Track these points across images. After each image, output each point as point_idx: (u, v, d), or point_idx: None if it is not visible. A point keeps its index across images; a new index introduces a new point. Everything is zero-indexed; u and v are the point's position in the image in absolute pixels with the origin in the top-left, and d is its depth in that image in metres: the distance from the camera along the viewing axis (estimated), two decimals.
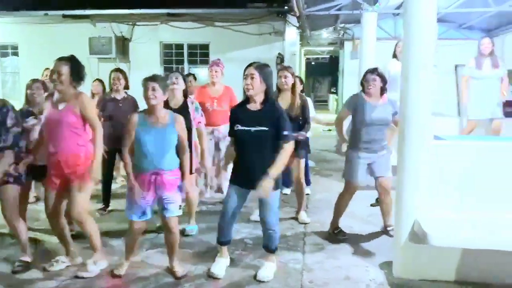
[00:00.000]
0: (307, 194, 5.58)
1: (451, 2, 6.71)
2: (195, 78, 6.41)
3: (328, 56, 19.95)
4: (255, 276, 3.44)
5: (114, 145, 4.47)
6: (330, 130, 13.19)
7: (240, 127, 3.24)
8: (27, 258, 3.58)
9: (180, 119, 3.38)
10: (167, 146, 3.27)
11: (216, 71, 5.06)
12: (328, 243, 4.21)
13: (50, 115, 3.38)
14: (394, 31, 8.67)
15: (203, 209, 5.19)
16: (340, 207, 4.38)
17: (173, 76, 4.29)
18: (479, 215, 3.29)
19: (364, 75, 4.21)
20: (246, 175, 3.28)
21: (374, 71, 4.17)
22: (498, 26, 7.98)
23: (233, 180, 3.39)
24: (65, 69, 3.31)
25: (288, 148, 3.22)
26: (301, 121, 4.60)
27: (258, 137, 3.20)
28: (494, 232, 3.08)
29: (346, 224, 4.51)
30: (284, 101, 4.43)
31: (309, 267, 3.70)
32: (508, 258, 3.16)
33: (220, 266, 3.52)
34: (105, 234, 4.09)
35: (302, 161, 4.82)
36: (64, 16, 8.86)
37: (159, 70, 9.31)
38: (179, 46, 9.37)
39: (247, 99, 3.31)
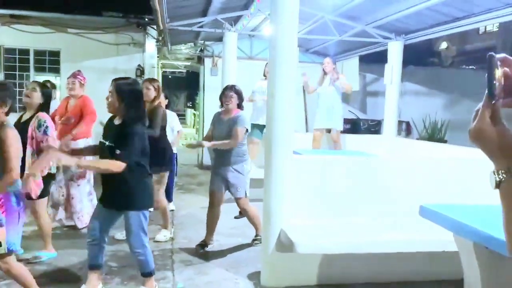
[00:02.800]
0: (172, 210, 5.51)
1: (300, 28, 7.38)
2: (54, 87, 5.91)
3: (185, 70, 20.06)
4: None
5: None
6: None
7: (100, 140, 3.13)
8: None
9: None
10: None
11: (72, 83, 4.90)
12: (197, 259, 4.20)
13: None
14: (250, 51, 9.16)
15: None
16: (207, 220, 4.46)
17: (29, 86, 3.94)
18: (334, 222, 3.64)
19: (222, 92, 4.44)
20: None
21: (232, 87, 4.43)
22: (339, 52, 9.02)
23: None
24: None
25: (114, 162, 2.94)
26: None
27: (106, 151, 3.06)
28: (349, 237, 3.44)
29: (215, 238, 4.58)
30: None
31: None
32: (360, 259, 3.55)
33: None
34: None
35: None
36: None
37: (0, 77, 8.25)
38: (24, 52, 8.43)
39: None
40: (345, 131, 7.58)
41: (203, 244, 4.41)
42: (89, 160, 2.83)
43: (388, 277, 3.68)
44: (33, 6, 7.78)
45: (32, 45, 8.35)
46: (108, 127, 3.16)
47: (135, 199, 3.10)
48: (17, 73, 8.36)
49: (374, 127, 9.94)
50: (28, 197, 3.23)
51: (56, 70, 8.48)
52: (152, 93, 4.49)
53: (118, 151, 2.89)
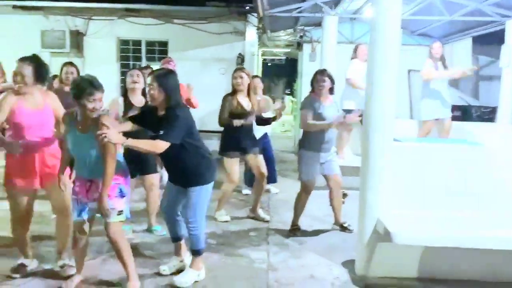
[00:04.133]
0: (274, 192, 5.83)
1: (405, 10, 6.98)
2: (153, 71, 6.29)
3: (284, 57, 20.13)
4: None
5: None
6: (286, 131, 13.37)
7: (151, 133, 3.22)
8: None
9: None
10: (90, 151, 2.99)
11: None
12: (291, 242, 4.27)
13: (25, 114, 3.17)
14: (352, 35, 8.88)
15: None
16: (298, 206, 4.49)
17: (134, 74, 4.19)
18: (435, 213, 3.45)
19: (314, 76, 4.38)
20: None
21: (323, 72, 4.37)
22: (448, 34, 8.37)
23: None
24: (28, 70, 3.14)
25: (154, 142, 3.05)
26: (259, 120, 4.78)
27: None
28: (453, 230, 3.23)
29: (307, 223, 4.61)
30: (243, 99, 4.60)
31: (274, 266, 3.72)
32: (464, 254, 3.32)
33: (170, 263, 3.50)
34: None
35: (259, 156, 4.84)
36: (14, 6, 8.41)
37: (115, 67, 9.05)
38: (137, 43, 9.13)
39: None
40: (454, 118, 7.03)
41: (297, 228, 4.47)
42: (134, 140, 2.99)
43: (496, 276, 3.40)
44: None
45: (143, 36, 9.01)
46: (154, 121, 3.19)
47: (193, 175, 3.22)
48: (131, 62, 9.09)
49: (488, 115, 9.08)
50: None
51: None
52: (245, 81, 4.60)
53: (161, 132, 3.03)
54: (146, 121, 3.26)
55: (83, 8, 8.53)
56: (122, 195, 3.06)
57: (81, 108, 2.94)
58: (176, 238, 3.50)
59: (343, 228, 4.55)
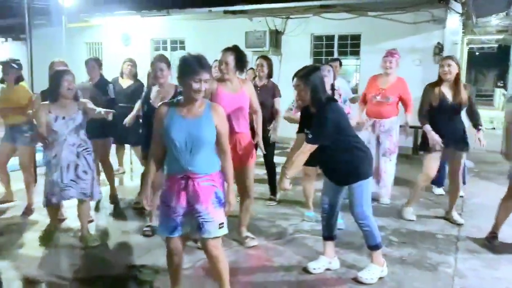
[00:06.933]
0: (461, 196, 5.11)
1: None
2: (340, 64, 6.30)
3: (497, 45, 17.74)
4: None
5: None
6: (494, 128, 11.82)
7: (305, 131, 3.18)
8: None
9: (219, 108, 2.67)
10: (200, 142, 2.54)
11: (390, 62, 4.93)
12: (485, 251, 3.82)
13: (226, 99, 3.59)
14: None
15: None
16: (501, 213, 3.96)
17: (325, 69, 4.31)
18: None
19: None
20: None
21: None
22: None
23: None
24: (230, 59, 3.58)
25: (301, 150, 3.07)
26: (468, 112, 4.37)
27: None
28: None
29: (509, 233, 4.04)
30: (447, 91, 4.25)
31: (462, 273, 3.41)
32: None
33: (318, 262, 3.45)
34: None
35: (462, 155, 4.40)
36: (225, 12, 9.54)
37: (308, 62, 9.41)
38: (329, 38, 9.34)
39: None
40: None
41: (495, 236, 3.96)
42: (291, 166, 3.07)
43: None
44: None
45: (336, 31, 9.15)
46: (307, 117, 3.17)
47: (352, 172, 3.12)
48: (323, 57, 9.35)
49: None
50: None
51: (356, 53, 9.05)
52: (454, 69, 4.21)
53: (309, 135, 3.01)
54: (305, 121, 3.24)
55: (283, 9, 9.13)
56: (220, 202, 2.61)
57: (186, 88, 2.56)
58: (329, 237, 3.45)
59: None
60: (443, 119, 4.24)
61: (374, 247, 3.27)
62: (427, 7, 8.10)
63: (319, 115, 3.04)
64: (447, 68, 4.21)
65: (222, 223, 2.60)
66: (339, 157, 3.12)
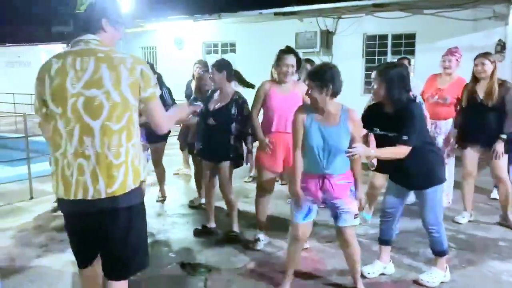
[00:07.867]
0: None
1: None
2: (409, 63, 6.08)
3: None
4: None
5: None
6: None
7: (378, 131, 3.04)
8: (211, 224, 4.16)
9: (354, 115, 2.84)
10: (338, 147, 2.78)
11: (449, 61, 4.66)
12: None
13: (278, 99, 3.68)
14: None
15: None
16: None
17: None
18: None
19: None
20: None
21: None
22: None
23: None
24: (294, 61, 3.64)
25: (397, 149, 2.86)
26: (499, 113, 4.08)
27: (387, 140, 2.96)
28: None
29: None
30: (481, 88, 4.16)
31: None
32: None
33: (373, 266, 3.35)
34: None
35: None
36: (276, 14, 9.57)
37: (360, 62, 9.28)
38: (383, 37, 9.13)
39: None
40: None
41: None
42: (379, 150, 2.87)
43: None
44: None
45: (390, 30, 8.94)
46: (380, 117, 3.01)
47: (428, 175, 3.01)
48: (376, 57, 9.16)
49: None
50: None
51: (411, 52, 8.77)
52: (488, 68, 4.09)
53: (404, 137, 2.82)
54: (372, 119, 3.10)
55: (334, 9, 9.03)
56: (354, 195, 2.91)
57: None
58: (386, 241, 3.35)
59: None
60: (473, 117, 4.17)
61: (441, 252, 3.19)
62: (488, 3, 7.73)
63: (410, 114, 2.86)
64: (480, 67, 4.11)
65: (357, 213, 2.90)
66: (416, 160, 2.93)
